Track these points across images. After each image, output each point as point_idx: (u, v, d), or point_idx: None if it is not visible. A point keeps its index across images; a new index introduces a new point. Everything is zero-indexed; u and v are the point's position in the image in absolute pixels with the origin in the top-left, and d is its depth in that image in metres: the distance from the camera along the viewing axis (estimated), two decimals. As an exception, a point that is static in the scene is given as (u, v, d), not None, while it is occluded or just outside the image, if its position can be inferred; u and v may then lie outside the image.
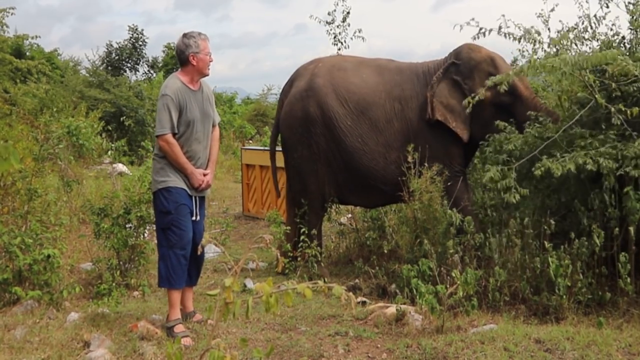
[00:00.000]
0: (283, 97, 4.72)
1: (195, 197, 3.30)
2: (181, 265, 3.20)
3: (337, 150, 4.38)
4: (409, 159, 4.09)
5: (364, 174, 4.37)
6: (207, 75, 3.34)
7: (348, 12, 5.97)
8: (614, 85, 3.40)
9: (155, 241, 4.82)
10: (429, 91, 4.26)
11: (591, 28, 3.87)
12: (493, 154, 4.02)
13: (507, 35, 3.79)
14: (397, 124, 4.34)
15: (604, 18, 3.84)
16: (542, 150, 3.57)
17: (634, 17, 3.80)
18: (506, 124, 4.03)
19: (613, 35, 3.89)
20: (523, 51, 4.17)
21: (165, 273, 3.21)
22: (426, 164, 4.10)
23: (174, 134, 3.22)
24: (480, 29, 3.78)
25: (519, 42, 3.79)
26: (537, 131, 3.79)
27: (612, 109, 3.33)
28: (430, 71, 4.42)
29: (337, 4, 5.98)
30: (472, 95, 3.73)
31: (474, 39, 3.86)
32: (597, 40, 3.90)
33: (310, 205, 4.48)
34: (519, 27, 3.81)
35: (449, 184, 4.08)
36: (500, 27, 3.77)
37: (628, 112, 3.29)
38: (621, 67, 3.28)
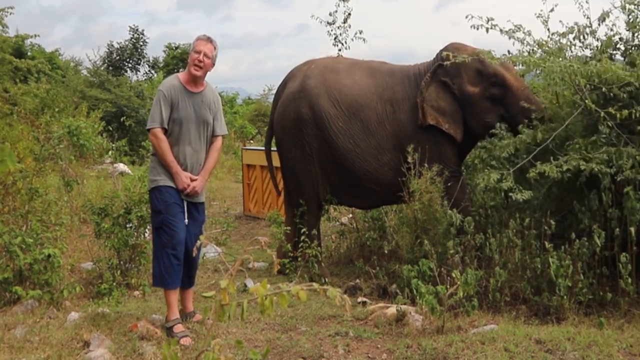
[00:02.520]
0: (277, 98, 4.73)
1: (185, 200, 3.24)
2: (173, 265, 3.15)
3: (330, 151, 4.38)
4: (409, 159, 4.08)
5: (357, 175, 4.38)
6: (194, 74, 3.22)
7: (349, 14, 5.95)
8: (604, 89, 3.41)
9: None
10: (419, 96, 4.27)
11: (590, 27, 3.86)
12: (489, 159, 4.04)
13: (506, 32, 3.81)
14: (388, 126, 4.34)
15: (604, 19, 3.83)
16: (535, 155, 3.62)
17: (631, 19, 3.80)
18: (501, 126, 4.04)
19: (611, 37, 3.88)
20: (522, 51, 4.16)
21: (159, 273, 3.18)
22: (423, 166, 4.08)
23: (165, 131, 3.20)
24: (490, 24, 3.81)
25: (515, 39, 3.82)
26: (528, 136, 3.79)
27: (602, 113, 3.35)
28: (420, 73, 4.43)
29: (339, 5, 5.96)
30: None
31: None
32: (598, 40, 3.89)
33: (306, 205, 4.49)
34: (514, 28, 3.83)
35: (444, 186, 4.06)
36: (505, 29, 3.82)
37: (618, 115, 3.30)
38: (615, 77, 3.30)
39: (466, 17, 3.87)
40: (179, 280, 3.23)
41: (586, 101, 3.41)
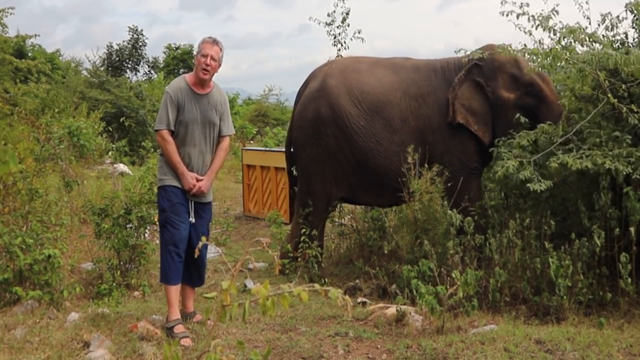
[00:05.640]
0: (298, 98, 4.70)
1: (190, 199, 3.27)
2: (174, 262, 3.20)
3: (350, 151, 4.33)
4: (409, 159, 4.07)
5: (379, 173, 4.32)
6: (202, 78, 3.24)
7: (347, 13, 5.95)
8: (623, 86, 3.40)
9: (156, 241, 4.84)
10: (451, 93, 4.21)
11: (607, 25, 3.87)
12: (506, 150, 3.98)
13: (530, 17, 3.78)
14: (412, 122, 4.29)
15: (616, 19, 3.83)
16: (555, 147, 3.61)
17: (637, 17, 3.80)
18: (525, 120, 3.99)
19: (614, 35, 3.89)
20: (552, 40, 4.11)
21: (162, 268, 3.25)
22: (444, 159, 4.07)
23: (171, 133, 3.23)
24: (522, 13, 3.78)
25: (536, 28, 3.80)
26: (550, 127, 3.77)
27: (624, 109, 3.34)
28: (449, 67, 4.36)
29: (337, 5, 5.96)
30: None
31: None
32: (605, 38, 3.90)
33: (314, 206, 4.46)
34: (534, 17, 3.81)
35: (462, 181, 4.05)
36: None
37: None
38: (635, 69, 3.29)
39: (501, 2, 3.81)
40: (180, 277, 3.27)
41: (608, 95, 3.39)
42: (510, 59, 4.20)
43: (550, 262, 3.33)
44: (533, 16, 3.80)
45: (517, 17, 3.81)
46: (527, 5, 3.79)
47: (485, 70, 4.24)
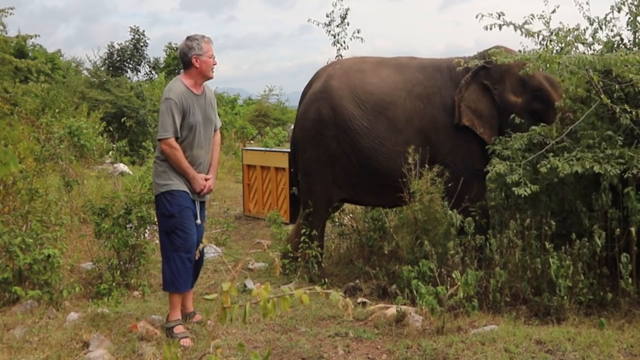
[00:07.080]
0: (302, 99, 4.68)
1: (196, 200, 3.29)
2: (186, 269, 3.17)
3: (352, 152, 4.30)
4: (410, 160, 4.06)
5: (383, 174, 4.28)
6: (211, 78, 3.30)
7: (346, 12, 5.95)
8: (617, 87, 3.40)
9: (156, 241, 4.85)
10: (457, 94, 4.17)
11: (596, 28, 3.86)
12: (500, 149, 3.97)
13: (520, 29, 3.77)
14: (417, 122, 4.25)
15: (608, 21, 3.83)
16: (548, 149, 3.60)
17: (631, 18, 3.80)
18: (522, 121, 3.96)
19: (614, 36, 3.89)
20: (537, 44, 4.10)
21: (170, 277, 3.19)
22: (448, 159, 4.07)
23: (176, 138, 3.19)
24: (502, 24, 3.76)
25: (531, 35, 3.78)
26: (543, 130, 3.77)
27: (618, 109, 3.33)
28: (456, 67, 4.30)
29: (336, 5, 5.96)
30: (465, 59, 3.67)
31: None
32: (599, 42, 3.90)
33: (314, 207, 4.45)
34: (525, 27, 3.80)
35: (466, 182, 4.04)
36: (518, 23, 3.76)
37: (633, 112, 3.30)
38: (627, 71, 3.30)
39: (476, 16, 3.78)
40: (190, 283, 3.27)
41: (601, 97, 3.39)
42: (518, 62, 4.11)
43: (550, 263, 3.33)
44: (515, 25, 3.76)
45: (500, 28, 3.77)
46: (503, 14, 3.75)
47: (492, 73, 4.19)
